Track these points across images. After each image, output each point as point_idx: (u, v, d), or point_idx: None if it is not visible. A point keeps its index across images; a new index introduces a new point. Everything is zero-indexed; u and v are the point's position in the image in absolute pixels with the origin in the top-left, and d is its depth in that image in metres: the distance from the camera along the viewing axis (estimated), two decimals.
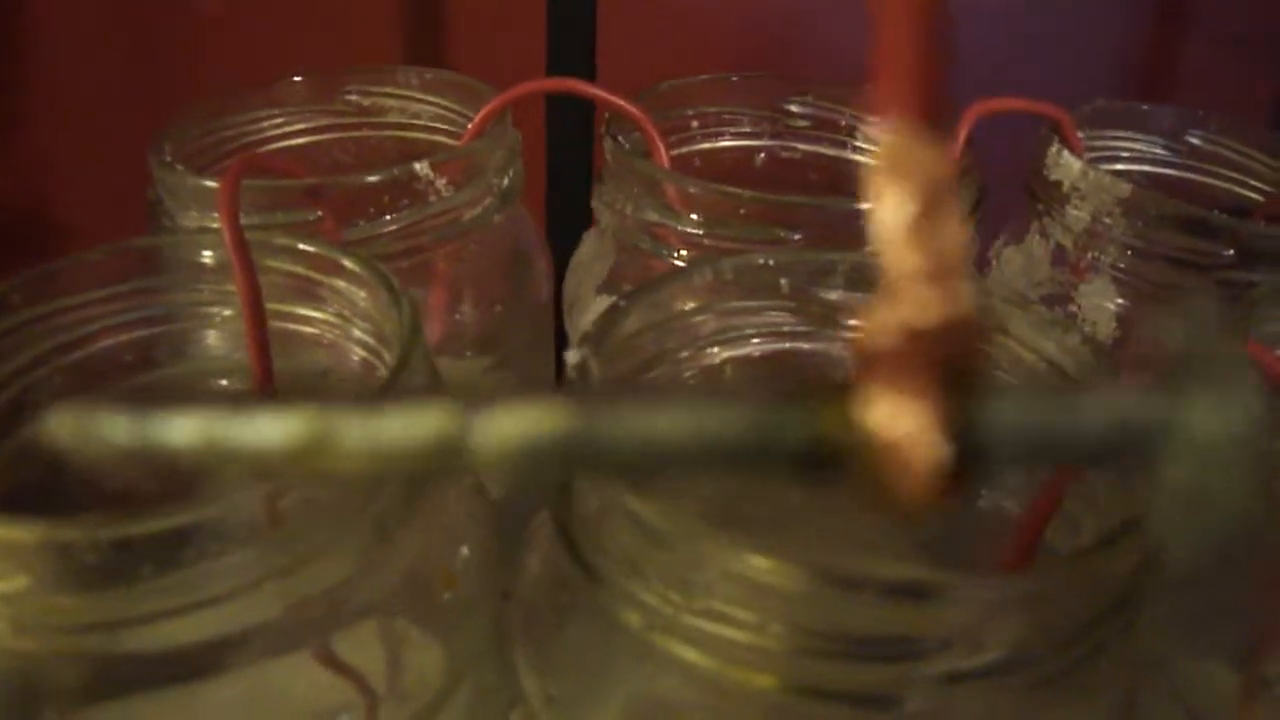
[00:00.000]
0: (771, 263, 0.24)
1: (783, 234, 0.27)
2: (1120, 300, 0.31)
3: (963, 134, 0.30)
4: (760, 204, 0.27)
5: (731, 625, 0.18)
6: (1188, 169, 0.37)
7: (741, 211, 0.27)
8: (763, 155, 0.34)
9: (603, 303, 0.30)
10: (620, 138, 0.29)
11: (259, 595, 0.20)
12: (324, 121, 0.34)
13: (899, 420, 0.11)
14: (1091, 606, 0.19)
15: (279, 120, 0.33)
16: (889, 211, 0.12)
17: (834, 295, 0.25)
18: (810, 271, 0.25)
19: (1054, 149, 0.32)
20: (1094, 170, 0.31)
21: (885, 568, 0.21)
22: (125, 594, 0.19)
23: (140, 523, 0.18)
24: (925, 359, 0.12)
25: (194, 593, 0.19)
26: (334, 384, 0.25)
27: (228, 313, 0.26)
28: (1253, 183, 0.36)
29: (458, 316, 0.30)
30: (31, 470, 0.25)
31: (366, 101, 0.34)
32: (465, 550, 0.24)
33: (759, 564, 0.18)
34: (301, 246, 0.25)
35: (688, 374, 0.24)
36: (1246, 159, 0.37)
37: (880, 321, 0.12)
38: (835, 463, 0.12)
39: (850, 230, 0.27)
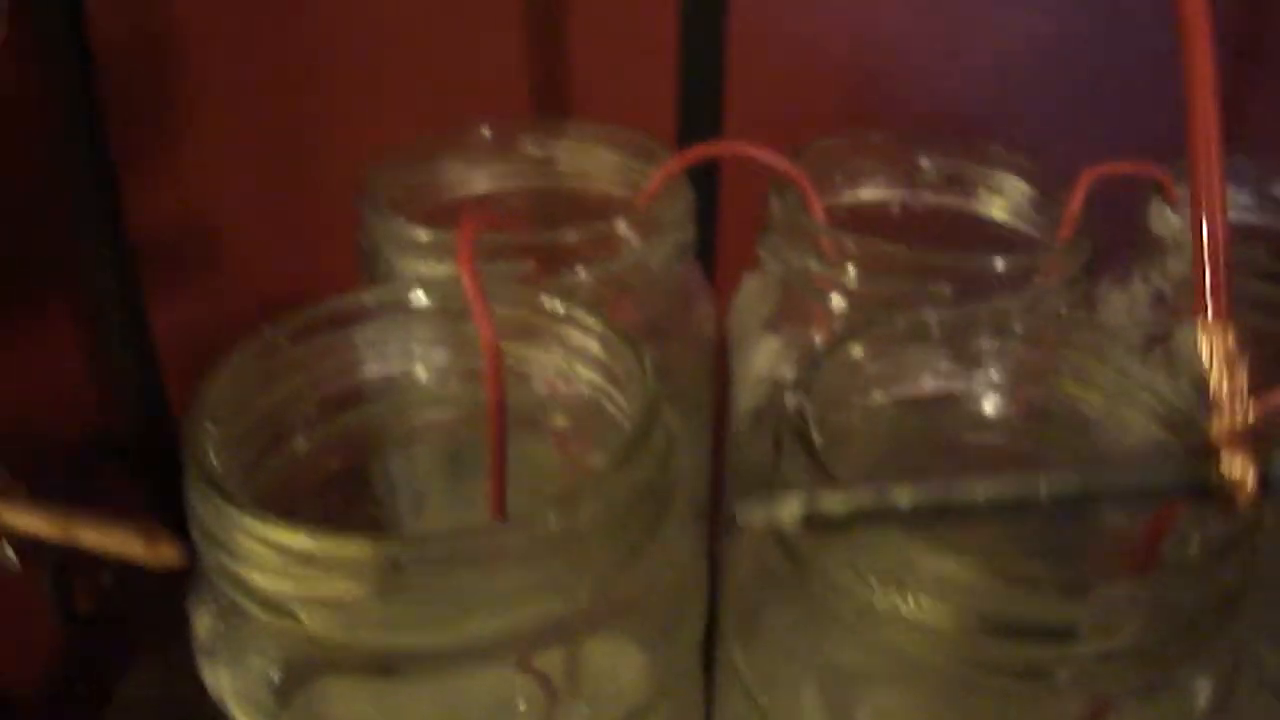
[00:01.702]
0: (937, 320, 0.31)
1: (931, 287, 0.34)
2: None
3: (1079, 199, 0.37)
4: (910, 259, 0.34)
5: (924, 610, 0.25)
6: (1272, 215, 0.44)
7: (892, 264, 0.34)
8: (897, 206, 0.41)
9: (770, 342, 0.37)
10: (788, 192, 0.37)
11: (527, 605, 0.26)
12: (504, 169, 0.41)
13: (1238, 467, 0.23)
14: (1202, 605, 0.26)
15: (462, 167, 0.40)
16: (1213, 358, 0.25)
17: (986, 344, 0.32)
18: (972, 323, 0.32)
19: (1156, 206, 0.39)
20: None
21: (1046, 569, 0.29)
22: (420, 598, 0.26)
23: (443, 540, 0.25)
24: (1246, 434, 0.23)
25: (470, 600, 0.26)
26: (559, 413, 0.32)
27: (457, 352, 0.33)
28: None
29: None
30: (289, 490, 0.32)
31: (541, 152, 0.41)
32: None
33: (953, 563, 0.25)
34: (545, 301, 0.31)
35: (880, 413, 0.31)
36: None
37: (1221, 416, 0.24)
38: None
39: (989, 283, 0.34)
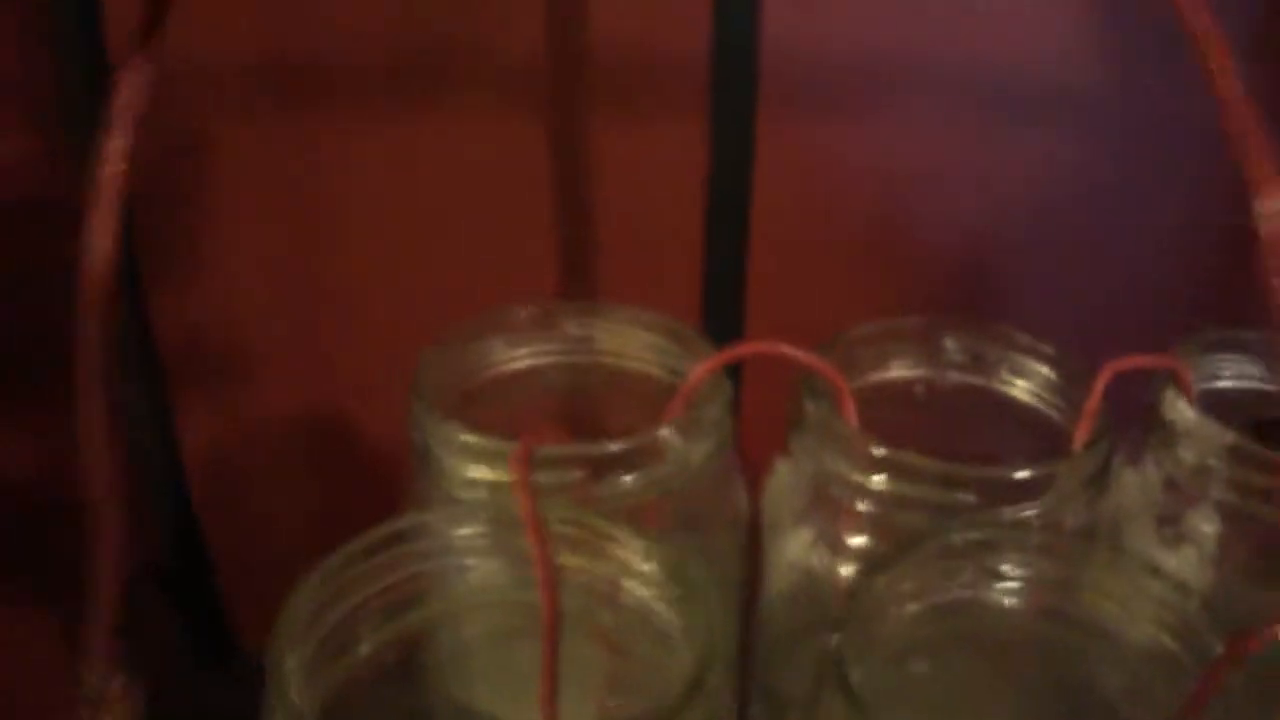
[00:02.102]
0: (963, 541, 0.34)
1: (959, 495, 0.36)
2: (1223, 527, 0.41)
3: (1097, 395, 0.39)
4: (937, 471, 0.36)
5: None
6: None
7: (920, 474, 0.37)
8: (922, 386, 0.44)
9: (802, 534, 0.39)
10: (820, 392, 0.39)
11: None
12: (545, 348, 0.43)
13: None
14: None
15: (504, 346, 0.43)
16: None
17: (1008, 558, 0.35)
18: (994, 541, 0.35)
19: (1169, 394, 0.41)
20: (1203, 420, 0.40)
21: None
22: None
23: None
24: None
25: None
26: (607, 614, 0.35)
27: (512, 560, 0.35)
28: None
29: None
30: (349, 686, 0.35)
31: (580, 331, 0.43)
32: None
33: None
34: (599, 525, 0.34)
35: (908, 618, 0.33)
36: None
37: None
38: None
39: (1013, 493, 0.36)
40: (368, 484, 0.61)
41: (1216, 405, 0.45)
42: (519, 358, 0.43)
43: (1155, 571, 0.35)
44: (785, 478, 0.41)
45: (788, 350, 0.39)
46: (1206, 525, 0.41)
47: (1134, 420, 0.44)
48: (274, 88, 0.58)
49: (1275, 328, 0.27)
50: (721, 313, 0.53)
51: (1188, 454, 0.41)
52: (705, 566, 0.37)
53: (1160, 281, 0.63)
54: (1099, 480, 0.39)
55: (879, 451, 0.37)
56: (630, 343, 0.43)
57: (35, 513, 0.61)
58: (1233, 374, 0.46)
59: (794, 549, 0.40)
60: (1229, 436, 0.40)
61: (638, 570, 0.34)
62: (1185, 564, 0.41)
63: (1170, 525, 0.42)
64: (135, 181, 0.57)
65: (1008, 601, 0.35)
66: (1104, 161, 0.60)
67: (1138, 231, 0.62)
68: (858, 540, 0.38)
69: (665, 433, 0.37)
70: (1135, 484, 0.43)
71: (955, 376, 0.43)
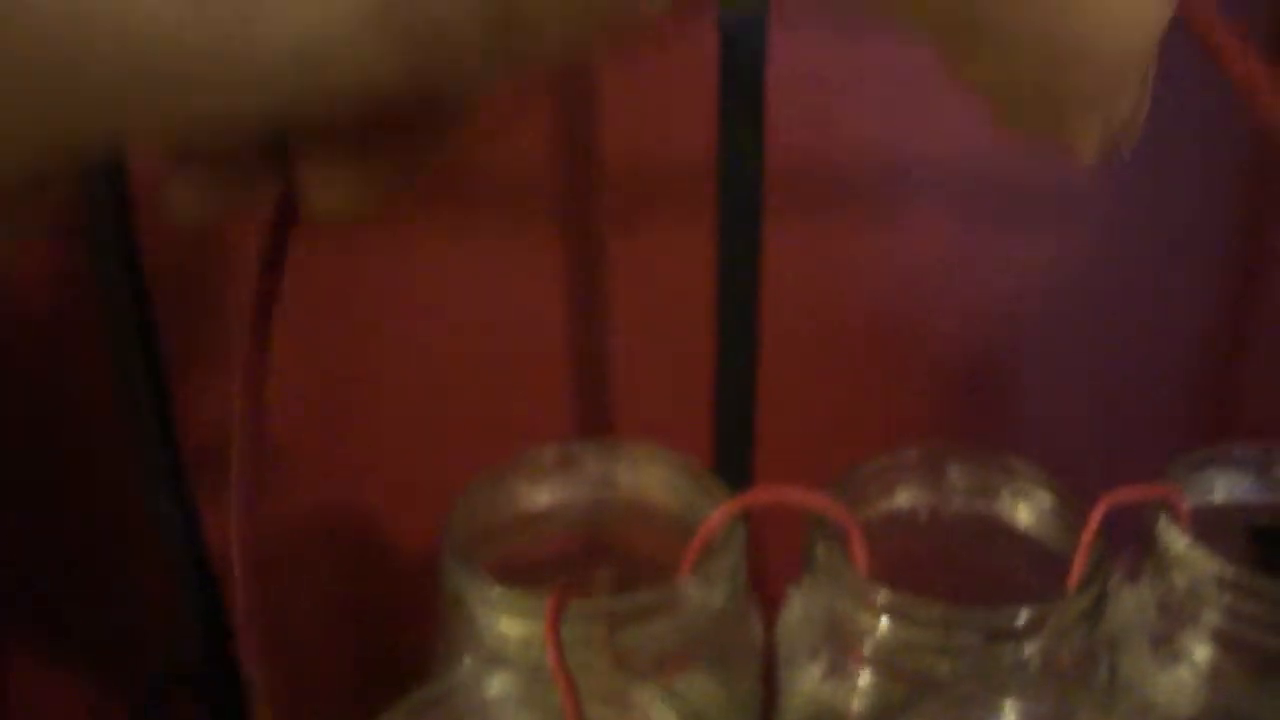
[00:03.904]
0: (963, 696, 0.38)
1: (960, 637, 0.40)
2: (1216, 651, 0.44)
3: (1092, 529, 0.43)
4: (940, 615, 0.40)
5: None
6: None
7: (926, 618, 0.40)
8: (926, 512, 0.47)
9: (813, 669, 0.43)
10: (825, 533, 0.43)
11: None
12: (565, 487, 0.47)
13: None
14: None
15: (525, 487, 0.47)
16: None
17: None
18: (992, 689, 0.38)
19: (1163, 521, 0.45)
20: (1194, 548, 0.44)
21: None
22: None
23: None
24: None
25: None
26: None
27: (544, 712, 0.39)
28: None
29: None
30: None
31: (600, 469, 0.47)
32: None
33: None
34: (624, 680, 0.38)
35: None
36: None
37: None
38: None
39: (1012, 632, 0.40)
40: (396, 585, 0.65)
41: (1212, 520, 0.49)
42: (543, 497, 0.47)
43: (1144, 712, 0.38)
44: (798, 610, 0.44)
45: (799, 495, 0.43)
46: (1199, 648, 0.45)
47: (1134, 536, 0.47)
48: None
49: None
50: (734, 421, 0.56)
51: (1180, 579, 0.44)
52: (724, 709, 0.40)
53: (1165, 377, 0.67)
54: (1095, 612, 0.42)
55: (884, 598, 0.41)
56: (648, 479, 0.47)
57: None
58: (1226, 488, 0.49)
59: (808, 682, 0.43)
60: (1220, 565, 0.43)
61: None
62: (1179, 685, 0.45)
63: (1165, 645, 0.45)
64: (163, 279, 0.62)
65: None
66: (1110, 260, 0.63)
67: (1141, 329, 0.65)
68: (868, 676, 0.42)
69: (685, 584, 0.41)
70: (1132, 603, 0.47)
71: (959, 503, 0.47)
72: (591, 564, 0.48)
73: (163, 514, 0.63)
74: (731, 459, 0.58)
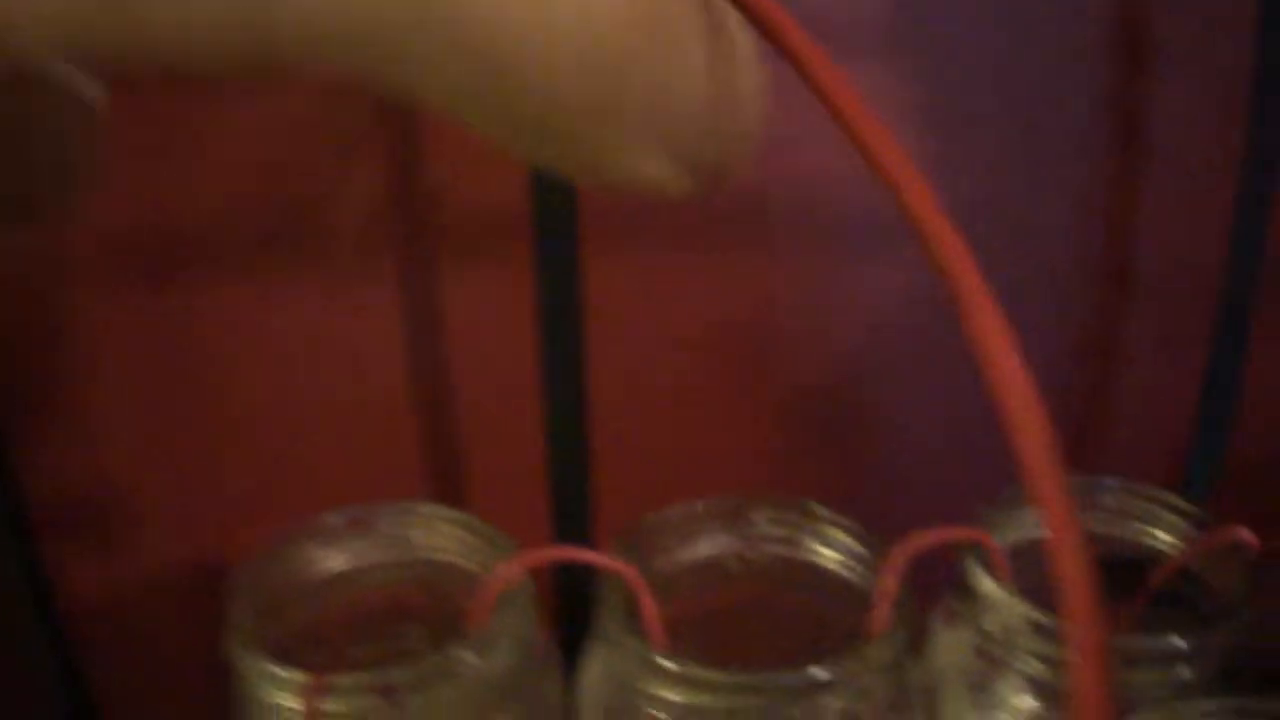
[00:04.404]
0: None
1: (748, 700, 0.39)
2: (1031, 696, 0.43)
3: (893, 579, 0.41)
4: (728, 681, 0.38)
5: None
6: (1101, 523, 0.48)
7: (717, 685, 0.39)
8: (733, 559, 0.46)
9: None
10: (613, 597, 0.41)
11: None
12: (362, 551, 0.45)
13: None
14: None
15: (321, 553, 0.45)
16: None
17: None
18: None
19: (971, 564, 0.44)
20: (1004, 592, 0.42)
21: None
22: None
23: None
24: None
25: None
26: None
27: None
28: (1159, 534, 0.48)
29: None
30: None
31: (397, 533, 0.45)
32: None
33: None
34: None
35: None
36: (1153, 512, 0.48)
37: None
38: None
39: (810, 690, 0.39)
40: None
41: (1036, 555, 0.48)
42: (335, 559, 0.45)
43: None
44: (594, 677, 0.43)
45: (579, 554, 0.41)
46: (1015, 694, 0.43)
47: (950, 585, 0.46)
48: (137, 250, 0.60)
49: None
50: (568, 463, 0.55)
51: (992, 624, 0.43)
52: None
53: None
54: (898, 662, 0.41)
55: (671, 664, 0.39)
56: (444, 540, 0.45)
57: None
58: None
59: None
60: (1030, 609, 0.42)
61: None
62: None
63: (982, 691, 0.44)
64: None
65: None
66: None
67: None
68: None
69: (457, 652, 0.39)
70: (951, 647, 0.45)
71: (766, 549, 0.46)
72: (395, 627, 0.47)
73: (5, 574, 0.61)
74: (570, 512, 0.56)
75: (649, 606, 0.41)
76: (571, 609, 0.55)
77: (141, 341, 0.61)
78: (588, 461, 0.56)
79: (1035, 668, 0.43)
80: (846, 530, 0.45)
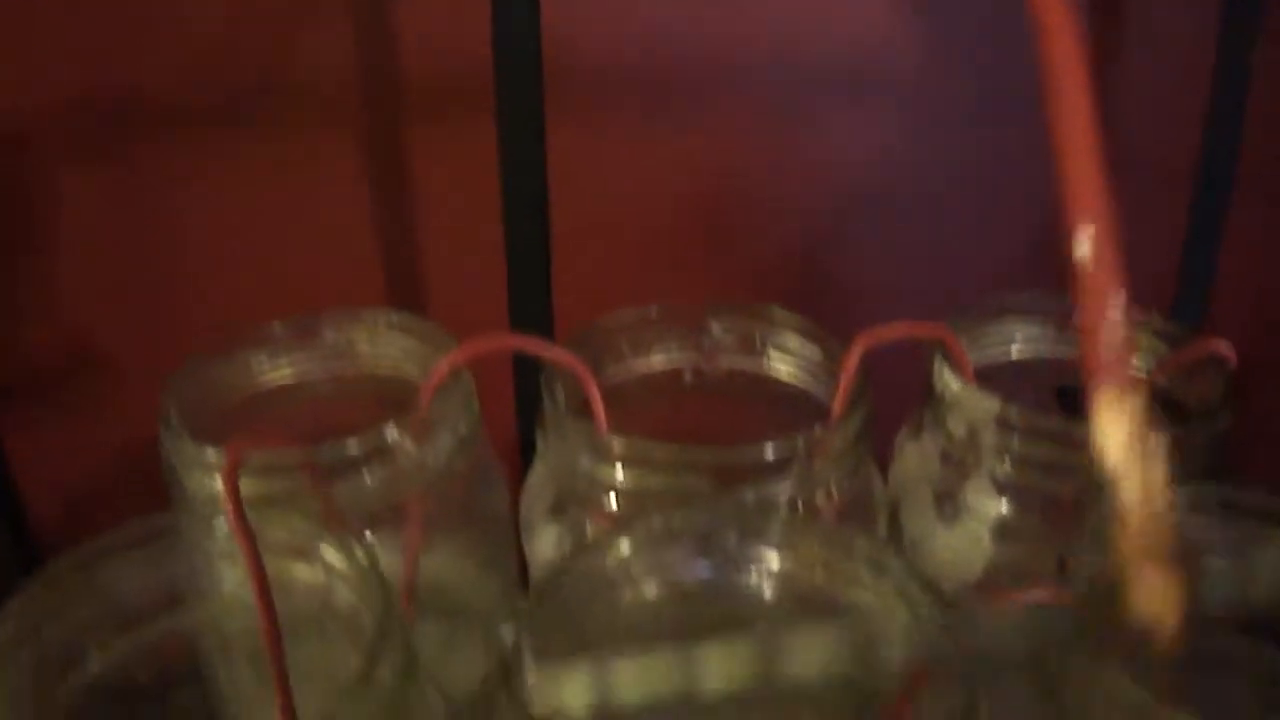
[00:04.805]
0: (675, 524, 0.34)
1: (697, 481, 0.37)
2: (999, 499, 0.41)
3: (851, 368, 0.39)
4: (674, 456, 0.37)
5: None
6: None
7: (659, 462, 0.37)
8: (689, 372, 0.44)
9: (550, 531, 0.40)
10: (559, 387, 0.40)
11: None
12: (305, 361, 0.44)
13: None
14: None
15: (265, 362, 0.44)
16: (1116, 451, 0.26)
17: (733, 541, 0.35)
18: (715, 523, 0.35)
19: (937, 364, 0.42)
20: (969, 388, 0.41)
21: None
22: None
23: None
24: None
25: None
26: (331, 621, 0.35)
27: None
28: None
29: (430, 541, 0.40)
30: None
31: (341, 341, 0.44)
32: None
33: None
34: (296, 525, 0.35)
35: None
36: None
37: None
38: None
39: (754, 472, 0.37)
40: None
41: (1011, 375, 0.46)
42: (278, 371, 0.44)
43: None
44: (538, 476, 0.41)
45: (524, 342, 0.40)
46: (982, 498, 0.41)
47: (916, 395, 0.44)
48: (94, 111, 0.59)
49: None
50: (529, 308, 0.53)
51: (957, 425, 0.41)
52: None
53: (996, 260, 0.64)
54: (855, 454, 0.39)
55: (616, 443, 0.37)
56: (390, 348, 0.44)
57: None
58: (1026, 341, 0.46)
59: (544, 547, 0.40)
60: (998, 405, 0.40)
61: (343, 573, 0.34)
62: (964, 541, 0.42)
63: (949, 500, 0.42)
64: None
65: (739, 583, 0.35)
66: (923, 145, 0.61)
67: (962, 213, 0.62)
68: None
69: (389, 432, 0.38)
70: (915, 457, 0.44)
71: (723, 361, 0.44)
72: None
73: None
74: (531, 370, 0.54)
75: (595, 394, 0.40)
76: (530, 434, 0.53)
77: (102, 205, 0.60)
78: (551, 321, 0.54)
79: (1002, 470, 0.41)
80: (806, 333, 0.43)
